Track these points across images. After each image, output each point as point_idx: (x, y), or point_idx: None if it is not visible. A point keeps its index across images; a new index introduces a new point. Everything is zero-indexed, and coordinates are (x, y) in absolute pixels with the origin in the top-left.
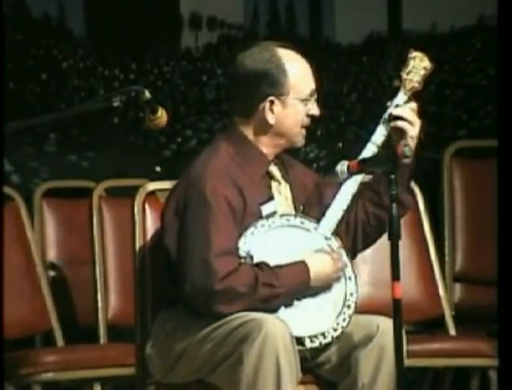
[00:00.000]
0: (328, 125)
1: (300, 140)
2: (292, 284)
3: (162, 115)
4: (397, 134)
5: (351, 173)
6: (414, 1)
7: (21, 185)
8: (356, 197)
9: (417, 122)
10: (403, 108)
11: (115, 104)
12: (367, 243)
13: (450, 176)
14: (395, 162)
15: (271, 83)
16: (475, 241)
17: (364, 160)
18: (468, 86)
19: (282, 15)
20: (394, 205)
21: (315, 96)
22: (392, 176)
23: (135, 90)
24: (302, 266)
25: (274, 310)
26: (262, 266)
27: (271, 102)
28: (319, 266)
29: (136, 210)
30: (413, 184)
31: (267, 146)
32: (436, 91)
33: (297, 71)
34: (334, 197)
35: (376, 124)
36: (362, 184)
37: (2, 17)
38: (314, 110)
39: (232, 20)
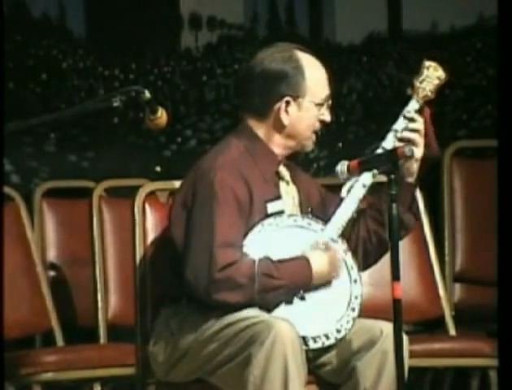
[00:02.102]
0: (328, 125)
1: (309, 144)
2: (292, 278)
3: (162, 115)
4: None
5: (351, 173)
6: (414, 1)
7: (21, 185)
8: (361, 214)
9: (422, 144)
10: (411, 132)
11: (115, 104)
12: (367, 262)
13: (450, 176)
14: (395, 162)
15: (288, 83)
16: (475, 241)
17: (364, 160)
18: (468, 86)
19: (282, 15)
20: (394, 205)
21: (329, 102)
22: (393, 176)
23: (135, 90)
24: (304, 261)
25: (276, 306)
26: (263, 258)
27: (287, 103)
28: (321, 263)
29: (136, 210)
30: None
31: (278, 147)
32: (436, 91)
33: (314, 74)
34: (338, 206)
35: (377, 125)
36: (366, 203)
37: (2, 17)
38: (326, 116)
39: (232, 20)
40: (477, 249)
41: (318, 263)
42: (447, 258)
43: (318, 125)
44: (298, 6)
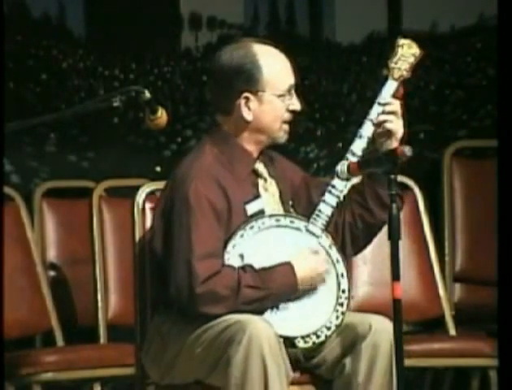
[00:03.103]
0: (328, 125)
1: (282, 135)
2: (277, 286)
3: (162, 115)
4: (383, 136)
5: (351, 173)
6: (414, 1)
7: (21, 185)
8: (345, 198)
9: (400, 124)
10: (386, 114)
11: (115, 104)
12: (357, 246)
13: (450, 176)
14: (395, 162)
15: (245, 79)
16: (475, 241)
17: (364, 160)
18: (468, 86)
19: (282, 15)
20: (394, 206)
21: (293, 91)
22: (392, 176)
23: (135, 90)
24: (288, 268)
25: (262, 311)
26: (246, 268)
27: (247, 99)
28: (305, 268)
29: (136, 210)
30: (413, 185)
31: (249, 143)
32: (436, 91)
33: (272, 66)
34: (322, 195)
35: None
36: (350, 187)
37: (2, 17)
38: (295, 105)
39: (232, 20)
40: (477, 249)
41: (303, 269)
42: (447, 258)
43: (287, 115)
44: (298, 6)
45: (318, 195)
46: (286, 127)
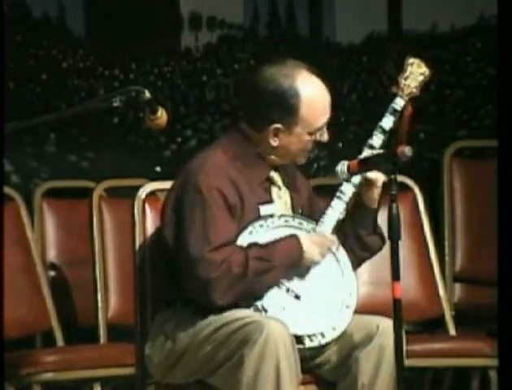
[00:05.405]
0: (328, 125)
1: (301, 160)
2: (283, 256)
3: (162, 115)
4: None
5: (351, 173)
6: (414, 1)
7: (21, 185)
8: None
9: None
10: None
11: (115, 104)
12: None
13: (450, 176)
14: (395, 162)
15: (282, 112)
16: (475, 241)
17: (364, 160)
18: (468, 86)
19: (282, 14)
20: (394, 205)
21: (325, 126)
22: (393, 176)
23: (135, 90)
24: (294, 239)
25: (268, 288)
26: (251, 245)
27: (277, 129)
28: (311, 240)
29: (136, 210)
30: (413, 184)
31: (268, 158)
32: (436, 91)
33: (312, 105)
34: (323, 212)
35: (375, 125)
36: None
37: (2, 17)
38: (323, 137)
39: (232, 20)
40: (477, 249)
41: (308, 240)
42: (447, 258)
43: (311, 145)
44: (298, 6)
45: (317, 215)
46: (307, 154)
